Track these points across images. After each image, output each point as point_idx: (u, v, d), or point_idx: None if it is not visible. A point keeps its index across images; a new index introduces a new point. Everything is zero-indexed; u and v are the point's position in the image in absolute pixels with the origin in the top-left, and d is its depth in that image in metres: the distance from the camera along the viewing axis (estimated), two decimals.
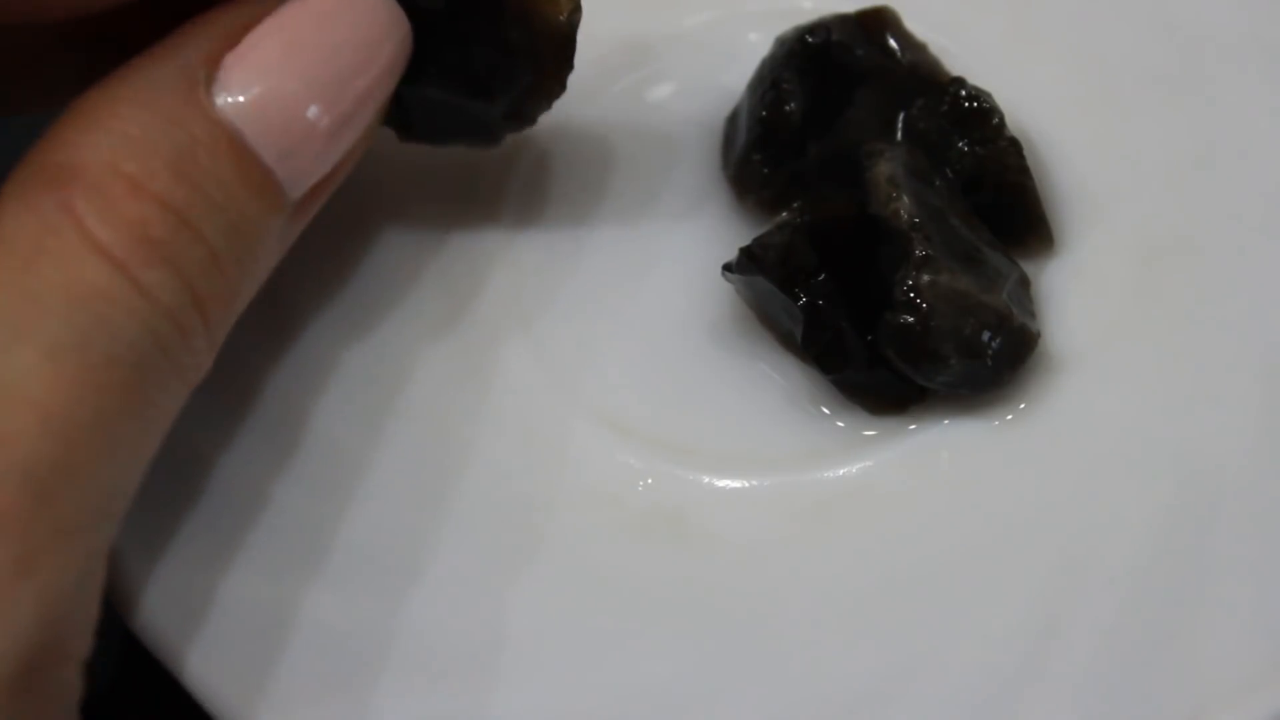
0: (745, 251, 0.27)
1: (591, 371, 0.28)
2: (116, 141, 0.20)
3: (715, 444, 0.27)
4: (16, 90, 0.25)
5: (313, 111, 0.22)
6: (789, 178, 0.29)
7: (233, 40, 0.22)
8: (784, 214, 0.28)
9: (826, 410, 0.27)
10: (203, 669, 0.24)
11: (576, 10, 0.25)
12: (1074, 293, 0.28)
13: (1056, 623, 0.24)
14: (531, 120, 0.26)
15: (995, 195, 0.28)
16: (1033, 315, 0.27)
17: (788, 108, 0.28)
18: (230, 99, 0.21)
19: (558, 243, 0.29)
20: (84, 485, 0.19)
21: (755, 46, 0.30)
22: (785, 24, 0.29)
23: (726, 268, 0.27)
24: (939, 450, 0.27)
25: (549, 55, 0.25)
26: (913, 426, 0.27)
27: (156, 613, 0.24)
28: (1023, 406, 0.27)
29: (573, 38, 0.25)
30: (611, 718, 0.24)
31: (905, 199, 0.26)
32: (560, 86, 0.26)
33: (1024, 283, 0.27)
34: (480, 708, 0.24)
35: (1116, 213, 0.28)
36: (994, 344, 0.26)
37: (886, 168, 0.27)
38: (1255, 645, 0.23)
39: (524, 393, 0.28)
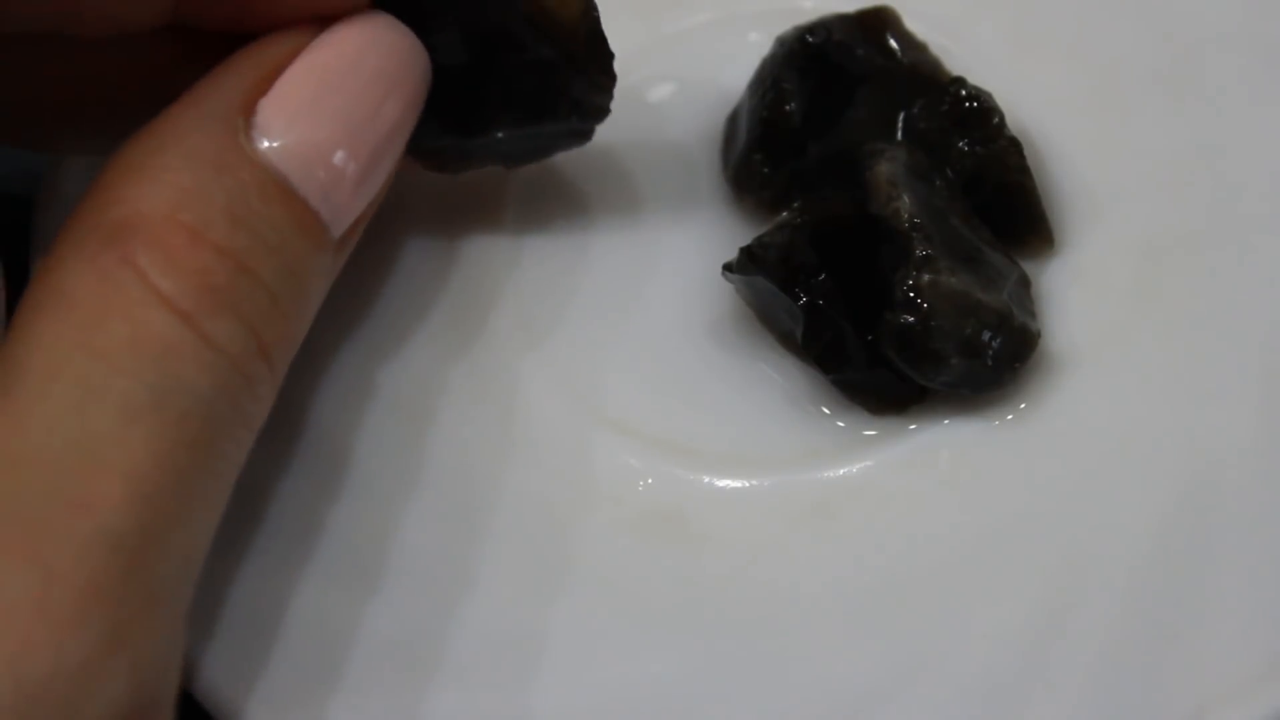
0: (745, 251, 0.27)
1: (592, 371, 0.28)
2: (171, 192, 0.20)
3: (715, 444, 0.27)
4: (49, 131, 0.25)
5: (347, 151, 0.22)
6: (789, 178, 0.29)
7: (266, 84, 0.22)
8: (784, 214, 0.28)
9: (826, 410, 0.27)
10: (210, 673, 0.24)
11: (591, 8, 0.25)
12: (1074, 293, 0.28)
13: (1057, 622, 0.24)
14: (605, 111, 0.26)
15: (995, 195, 0.28)
16: (1033, 315, 0.27)
17: (788, 108, 0.28)
18: (270, 143, 0.21)
19: (558, 243, 0.29)
20: (170, 548, 0.19)
21: (755, 46, 0.30)
22: (785, 24, 0.29)
23: (726, 268, 0.27)
24: (939, 450, 0.27)
25: (585, 55, 0.25)
26: (913, 426, 0.27)
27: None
28: (1023, 406, 0.27)
29: (597, 30, 0.25)
30: (612, 717, 0.24)
31: (905, 199, 0.26)
32: (609, 77, 0.26)
33: (1024, 283, 0.27)
34: (480, 707, 0.24)
35: (1116, 213, 0.28)
36: (994, 344, 0.26)
37: (886, 168, 0.27)
38: (1255, 645, 0.23)
39: (524, 392, 0.28)
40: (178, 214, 0.20)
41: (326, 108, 0.22)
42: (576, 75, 0.25)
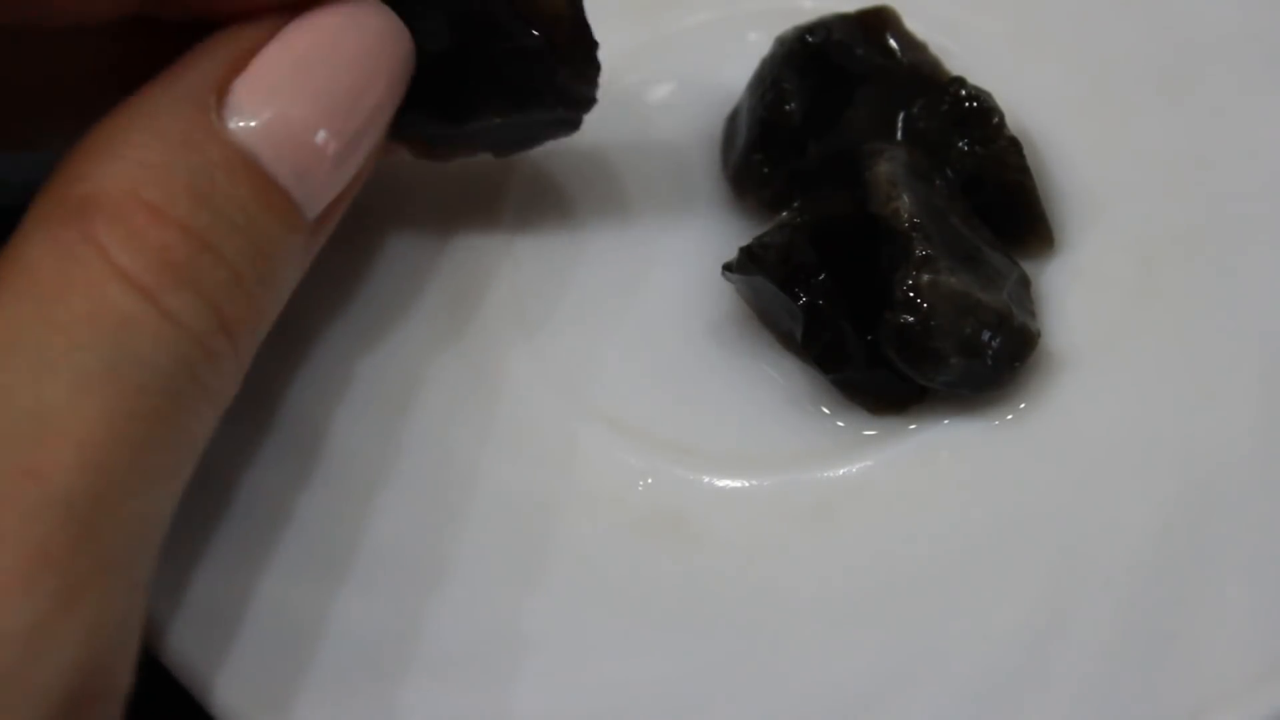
0: (745, 251, 0.27)
1: (592, 371, 0.28)
2: (135, 169, 0.20)
3: (715, 444, 0.27)
4: (16, 127, 0.25)
5: (324, 131, 0.22)
6: (789, 178, 0.29)
7: (241, 64, 0.22)
8: (784, 214, 0.28)
9: (826, 410, 0.27)
10: (189, 660, 0.24)
11: None
12: (1074, 293, 0.28)
13: (1057, 622, 0.24)
14: (590, 100, 0.26)
15: (995, 195, 0.28)
16: (1033, 315, 0.27)
17: (788, 107, 0.28)
18: (243, 123, 0.21)
19: (558, 243, 0.29)
20: (124, 517, 0.19)
21: (755, 46, 0.30)
22: (785, 24, 0.29)
23: (726, 268, 0.27)
24: (939, 450, 0.27)
25: (569, 44, 0.25)
26: (913, 426, 0.27)
27: (168, 618, 0.24)
28: (1023, 406, 0.27)
29: (581, 19, 0.25)
30: (612, 717, 0.24)
31: (905, 199, 0.26)
32: (594, 66, 0.26)
33: (1024, 283, 0.27)
34: (480, 707, 0.24)
35: (1116, 213, 0.28)
36: (994, 344, 0.26)
37: (886, 168, 0.27)
38: (1255, 645, 0.23)
39: (525, 393, 0.28)
40: (140, 190, 0.20)
41: (302, 87, 0.22)
42: (561, 64, 0.25)
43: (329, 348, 0.28)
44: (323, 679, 0.24)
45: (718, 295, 0.28)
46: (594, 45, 0.25)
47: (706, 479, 0.27)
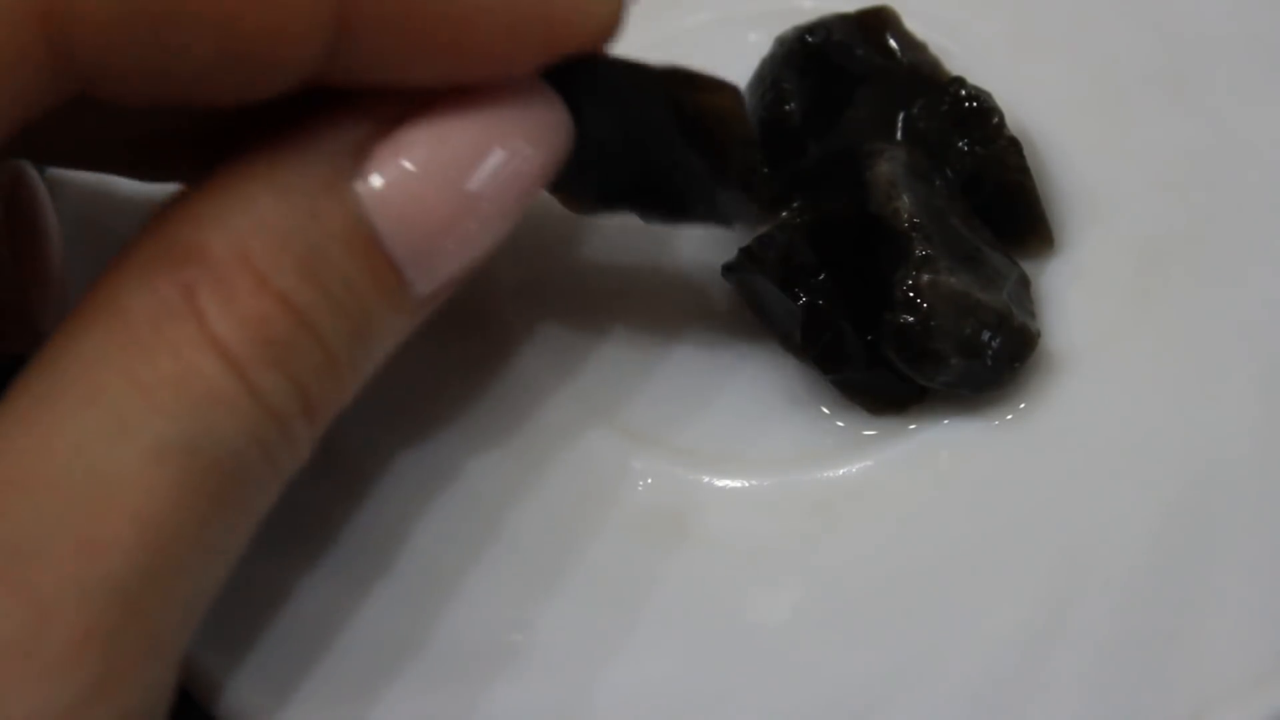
0: (745, 251, 0.27)
1: (591, 371, 0.28)
2: (250, 229, 0.19)
3: (715, 444, 0.27)
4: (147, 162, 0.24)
5: (453, 214, 0.20)
6: (789, 178, 0.29)
7: (385, 131, 0.20)
8: (784, 214, 0.28)
9: (826, 410, 0.27)
10: (206, 670, 0.24)
11: (747, 129, 0.24)
12: (1074, 293, 0.28)
13: (1057, 623, 0.24)
14: (744, 219, 0.25)
15: (995, 195, 0.28)
16: (1033, 315, 0.27)
17: (787, 108, 0.28)
18: (371, 191, 0.20)
19: (557, 243, 0.29)
20: (174, 598, 0.18)
21: (755, 46, 0.30)
22: (785, 24, 0.29)
23: (726, 268, 0.27)
24: (939, 450, 0.27)
25: (734, 170, 0.24)
26: (913, 426, 0.27)
27: None
28: (1023, 406, 0.27)
29: (750, 150, 0.24)
30: (613, 717, 0.24)
31: (905, 199, 0.26)
32: (753, 194, 0.25)
33: (1024, 283, 0.27)
34: (481, 707, 0.24)
35: (1116, 213, 0.28)
36: (994, 344, 0.26)
37: (886, 168, 0.27)
38: (1255, 645, 0.23)
39: (524, 392, 0.28)
40: (250, 254, 0.19)
41: (442, 165, 0.20)
42: (721, 187, 0.24)
43: None
44: (325, 682, 0.24)
45: (718, 295, 0.28)
46: (757, 174, 0.24)
47: (706, 479, 0.27)
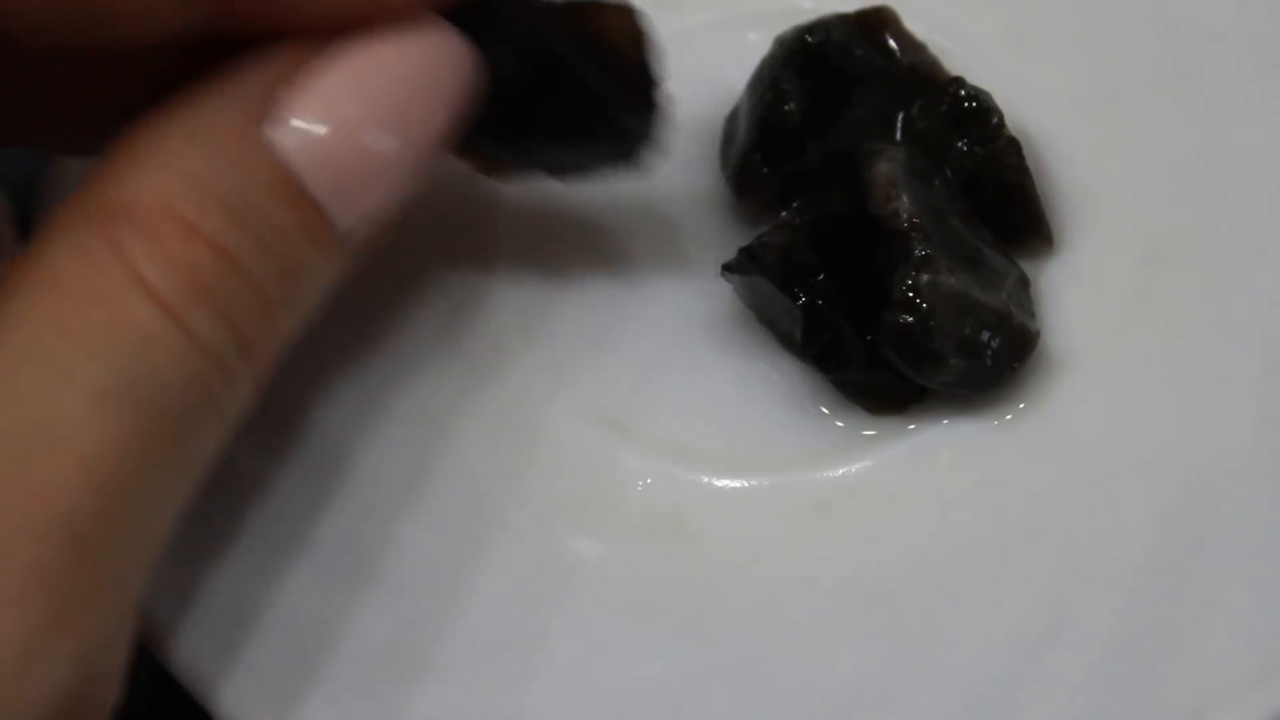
0: (745, 251, 0.27)
1: (591, 371, 0.28)
2: (172, 179, 0.20)
3: (715, 444, 0.27)
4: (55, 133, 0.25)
5: (371, 153, 0.21)
6: (789, 178, 0.29)
7: (292, 75, 0.21)
8: (784, 214, 0.28)
9: (826, 410, 0.27)
10: (199, 668, 0.24)
11: (643, 39, 0.25)
12: (1074, 293, 0.28)
13: (1057, 622, 0.24)
14: (648, 138, 0.26)
15: (995, 195, 0.28)
16: (1033, 315, 0.27)
17: (787, 108, 0.28)
18: (286, 136, 0.20)
19: (557, 243, 0.29)
20: (124, 536, 0.19)
21: (755, 46, 0.30)
22: (785, 24, 0.29)
23: (726, 268, 0.27)
24: (939, 450, 0.27)
25: (632, 83, 0.25)
26: (913, 426, 0.27)
27: (174, 623, 0.24)
28: (1023, 406, 0.27)
29: (647, 60, 0.25)
30: (610, 718, 0.24)
31: (905, 199, 0.26)
32: (654, 108, 0.25)
33: (1024, 283, 0.27)
34: (478, 707, 0.24)
35: (1116, 213, 0.28)
36: (993, 344, 0.26)
37: (886, 168, 0.27)
38: (1255, 645, 0.23)
39: (523, 392, 0.28)
40: (174, 203, 0.19)
41: (353, 105, 0.21)
42: (621, 102, 0.25)
43: (333, 354, 0.28)
44: (326, 684, 0.24)
45: (717, 295, 0.28)
46: (655, 86, 0.25)
47: (706, 479, 0.27)
